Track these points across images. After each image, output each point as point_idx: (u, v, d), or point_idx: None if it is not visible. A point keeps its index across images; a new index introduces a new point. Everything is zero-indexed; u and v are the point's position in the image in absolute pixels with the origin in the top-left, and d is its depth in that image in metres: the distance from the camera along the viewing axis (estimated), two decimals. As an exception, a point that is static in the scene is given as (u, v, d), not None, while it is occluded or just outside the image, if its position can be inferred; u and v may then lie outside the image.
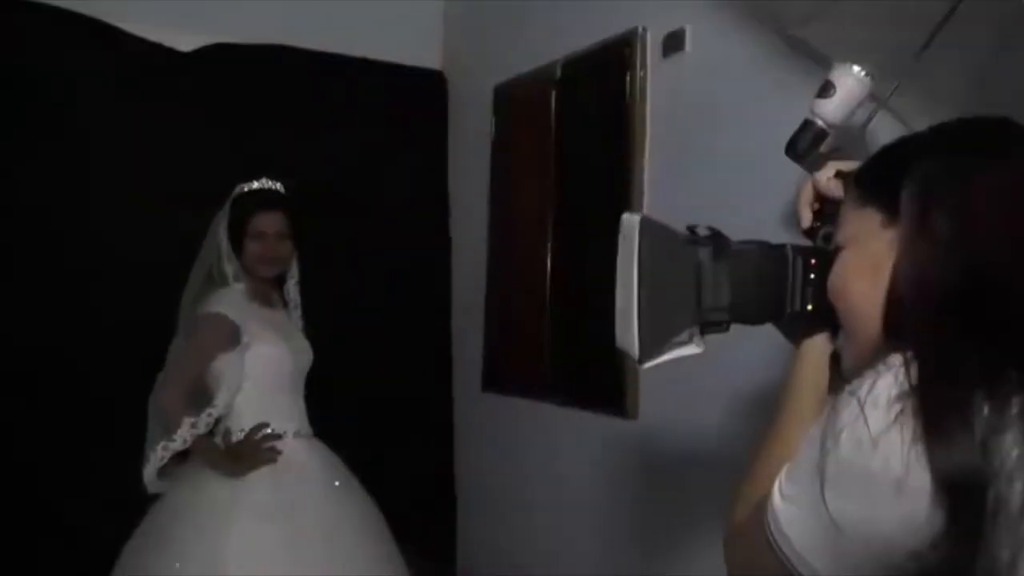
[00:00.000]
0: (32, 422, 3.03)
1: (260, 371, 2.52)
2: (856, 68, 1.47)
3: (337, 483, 2.56)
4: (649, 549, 2.65)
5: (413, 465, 3.50)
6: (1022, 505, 0.76)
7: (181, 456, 2.45)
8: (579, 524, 2.97)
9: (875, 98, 1.55)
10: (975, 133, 0.93)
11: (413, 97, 3.76)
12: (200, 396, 2.47)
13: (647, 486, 2.68)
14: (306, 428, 2.61)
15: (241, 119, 3.35)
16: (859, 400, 0.81)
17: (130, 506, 2.46)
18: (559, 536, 3.08)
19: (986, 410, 0.78)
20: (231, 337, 2.49)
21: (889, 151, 0.98)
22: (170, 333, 2.61)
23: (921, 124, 1.71)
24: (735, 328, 1.08)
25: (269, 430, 2.49)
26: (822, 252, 1.05)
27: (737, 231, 1.08)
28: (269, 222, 2.56)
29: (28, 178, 3.09)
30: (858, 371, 0.87)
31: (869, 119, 1.57)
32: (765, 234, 1.10)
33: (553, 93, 3.14)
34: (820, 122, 1.49)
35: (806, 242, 1.13)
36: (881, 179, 0.94)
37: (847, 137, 1.55)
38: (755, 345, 1.23)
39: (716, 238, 1.05)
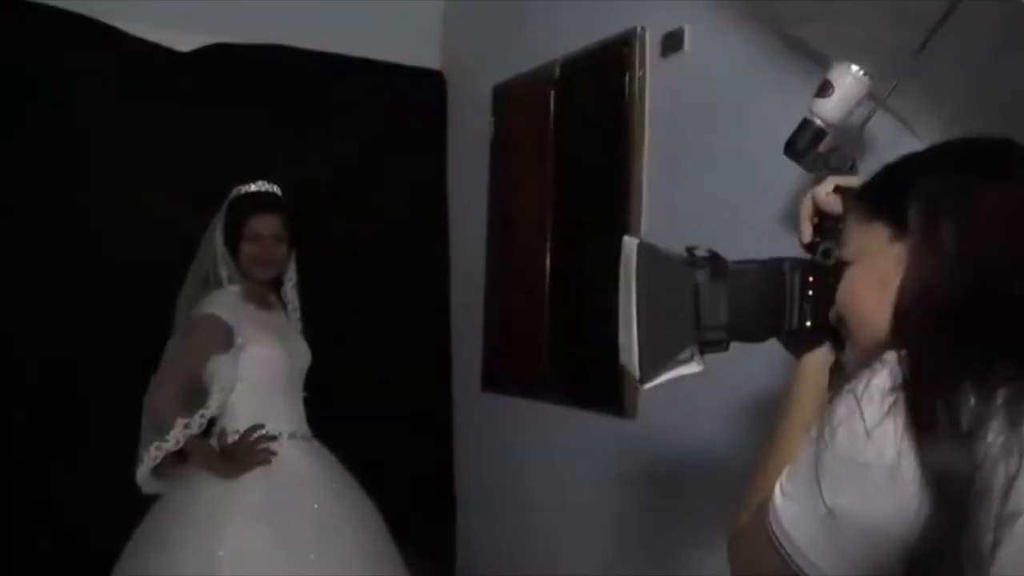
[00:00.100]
0: (31, 422, 3.04)
1: (255, 373, 2.51)
2: (855, 68, 1.48)
3: (333, 485, 2.55)
4: (649, 548, 2.65)
5: (412, 465, 3.50)
6: (1005, 490, 0.79)
7: (180, 457, 2.46)
8: (578, 524, 2.97)
9: (873, 97, 1.56)
10: (979, 153, 0.95)
11: (412, 97, 3.76)
12: (195, 397, 2.47)
13: (646, 485, 2.68)
14: (303, 429, 2.60)
15: (241, 119, 3.35)
16: (855, 396, 0.84)
17: (130, 506, 2.46)
18: (558, 536, 3.08)
19: (972, 401, 0.81)
20: (225, 338, 2.48)
21: (895, 168, 0.99)
22: (169, 333, 2.61)
23: (920, 124, 1.73)
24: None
25: (264, 431, 2.49)
26: (819, 267, 1.06)
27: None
28: (265, 224, 2.56)
29: (28, 178, 3.09)
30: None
31: (867, 118, 1.58)
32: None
33: (552, 93, 3.14)
34: (819, 121, 1.50)
35: (804, 254, 1.14)
36: (888, 195, 0.96)
37: (846, 136, 1.56)
38: (754, 345, 1.24)
39: (714, 260, 1.08)
